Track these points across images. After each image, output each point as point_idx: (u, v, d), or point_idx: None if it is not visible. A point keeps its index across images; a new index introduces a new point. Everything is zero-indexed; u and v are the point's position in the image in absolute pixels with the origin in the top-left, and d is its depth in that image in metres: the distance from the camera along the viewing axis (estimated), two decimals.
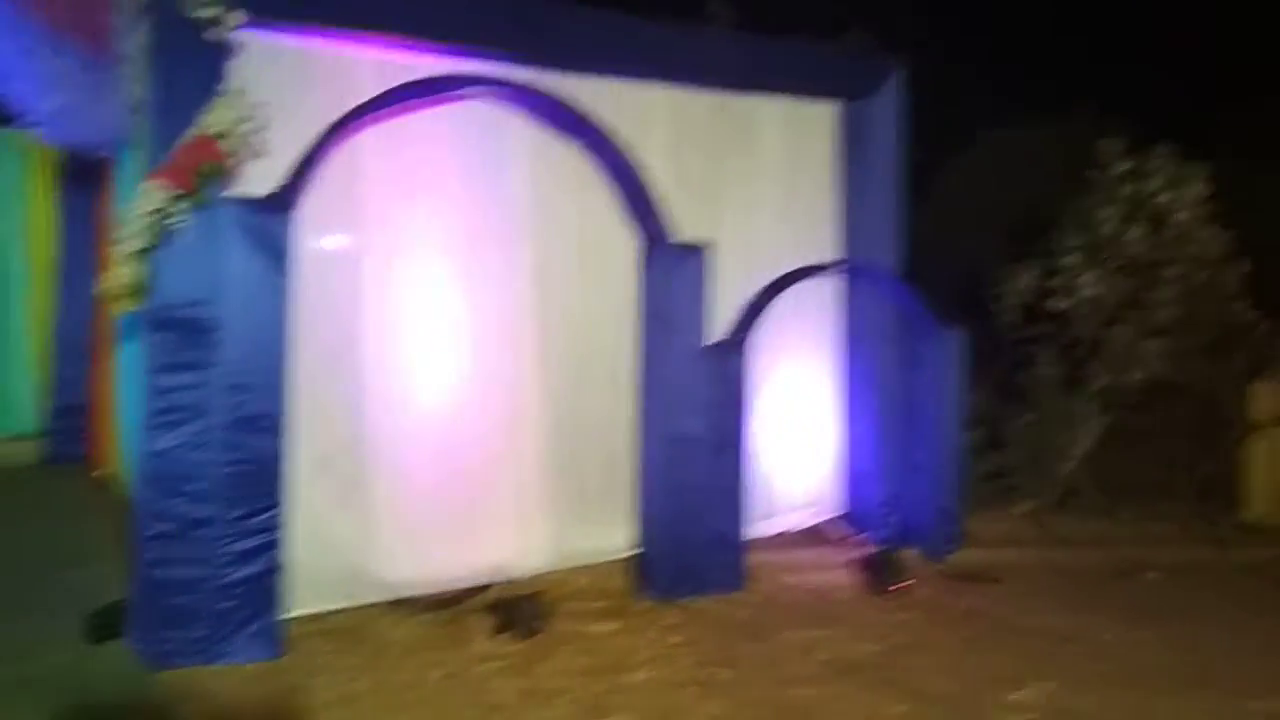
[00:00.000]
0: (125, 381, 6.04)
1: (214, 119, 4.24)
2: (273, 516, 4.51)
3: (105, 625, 4.50)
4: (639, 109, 6.06)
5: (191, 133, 4.24)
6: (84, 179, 7.48)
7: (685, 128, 6.36)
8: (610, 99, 5.77)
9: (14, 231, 8.83)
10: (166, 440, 4.32)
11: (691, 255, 5.78)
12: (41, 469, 7.69)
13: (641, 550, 5.89)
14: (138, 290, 4.25)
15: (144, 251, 4.21)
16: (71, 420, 7.70)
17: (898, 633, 5.27)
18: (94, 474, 7.41)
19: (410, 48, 5.22)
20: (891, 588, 5.91)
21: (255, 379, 4.47)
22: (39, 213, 8.81)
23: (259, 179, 4.55)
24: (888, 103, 6.92)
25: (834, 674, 4.65)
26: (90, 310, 7.60)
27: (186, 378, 4.35)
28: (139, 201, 4.15)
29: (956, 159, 11.69)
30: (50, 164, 8.60)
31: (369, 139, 5.12)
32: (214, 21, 4.26)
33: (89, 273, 7.55)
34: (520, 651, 4.76)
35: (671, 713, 4.17)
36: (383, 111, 5.03)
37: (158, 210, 4.16)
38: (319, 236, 4.96)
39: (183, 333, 4.33)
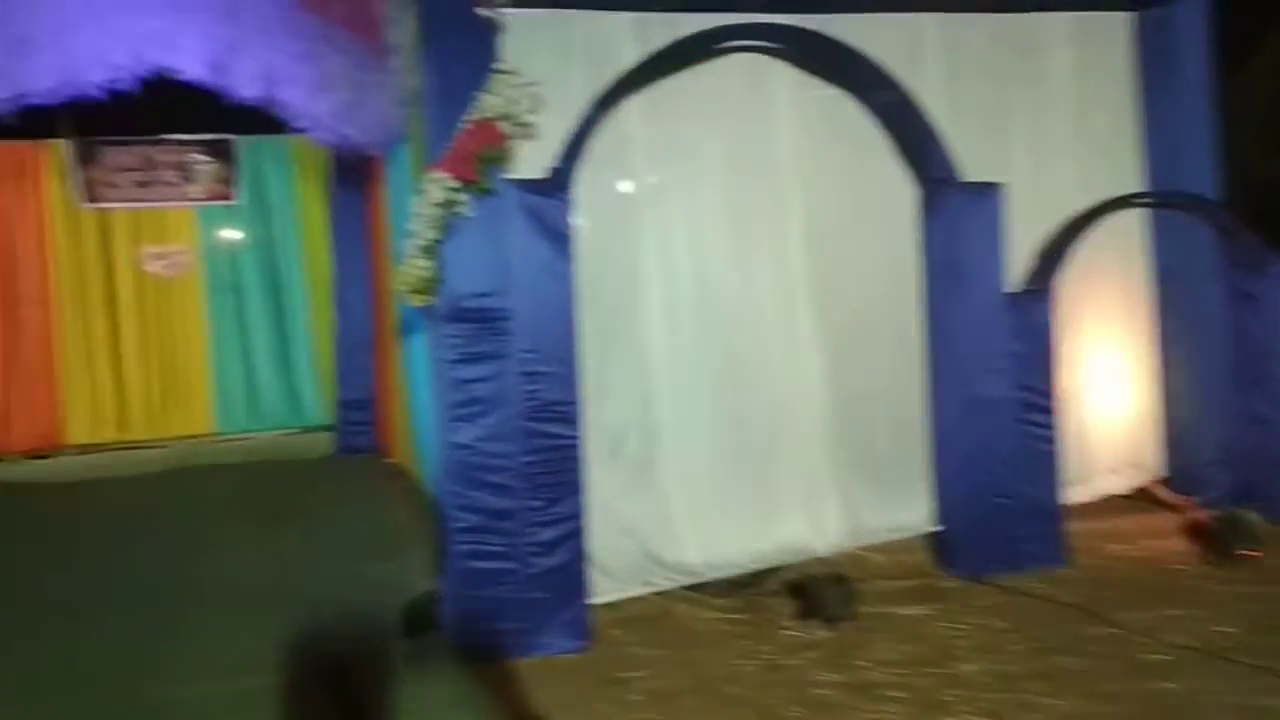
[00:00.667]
0: (414, 374, 6.17)
1: (492, 101, 4.12)
2: (574, 504, 4.41)
3: (419, 618, 4.55)
4: (909, 42, 5.52)
5: (470, 118, 4.14)
6: (352, 179, 7.72)
7: (962, 57, 5.76)
8: (877, 34, 5.28)
9: (289, 235, 9.32)
10: (467, 433, 4.29)
11: (983, 196, 5.23)
12: (334, 460, 8.09)
13: (942, 525, 5.45)
14: (431, 284, 4.22)
15: (434, 245, 4.17)
16: (358, 413, 8.06)
17: (1257, 610, 4.58)
18: (385, 464, 7.70)
19: (668, 5, 4.94)
20: (1238, 556, 5.18)
21: (548, 366, 4.37)
22: (311, 215, 9.25)
23: (529, 160, 4.42)
24: (1194, 6, 6.02)
25: (1196, 661, 4.07)
26: (368, 305, 7.88)
27: (483, 369, 4.29)
28: (424, 194, 4.10)
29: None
30: (319, 166, 9.00)
31: (634, 105, 4.89)
32: (486, 2, 4.14)
33: (363, 271, 7.87)
34: (833, 640, 4.46)
35: (1019, 710, 3.75)
36: (647, 76, 4.79)
37: (444, 202, 4.09)
38: (592, 215, 4.78)
39: (477, 324, 4.27)
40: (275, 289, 9.33)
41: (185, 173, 9.01)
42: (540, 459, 4.38)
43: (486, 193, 4.20)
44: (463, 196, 4.14)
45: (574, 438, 4.43)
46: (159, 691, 4.01)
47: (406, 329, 6.15)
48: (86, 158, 8.71)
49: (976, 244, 5.25)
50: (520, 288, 4.32)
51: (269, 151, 9.19)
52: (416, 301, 4.31)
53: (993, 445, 5.23)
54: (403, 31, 4.29)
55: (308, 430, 9.21)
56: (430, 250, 4.17)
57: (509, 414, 4.33)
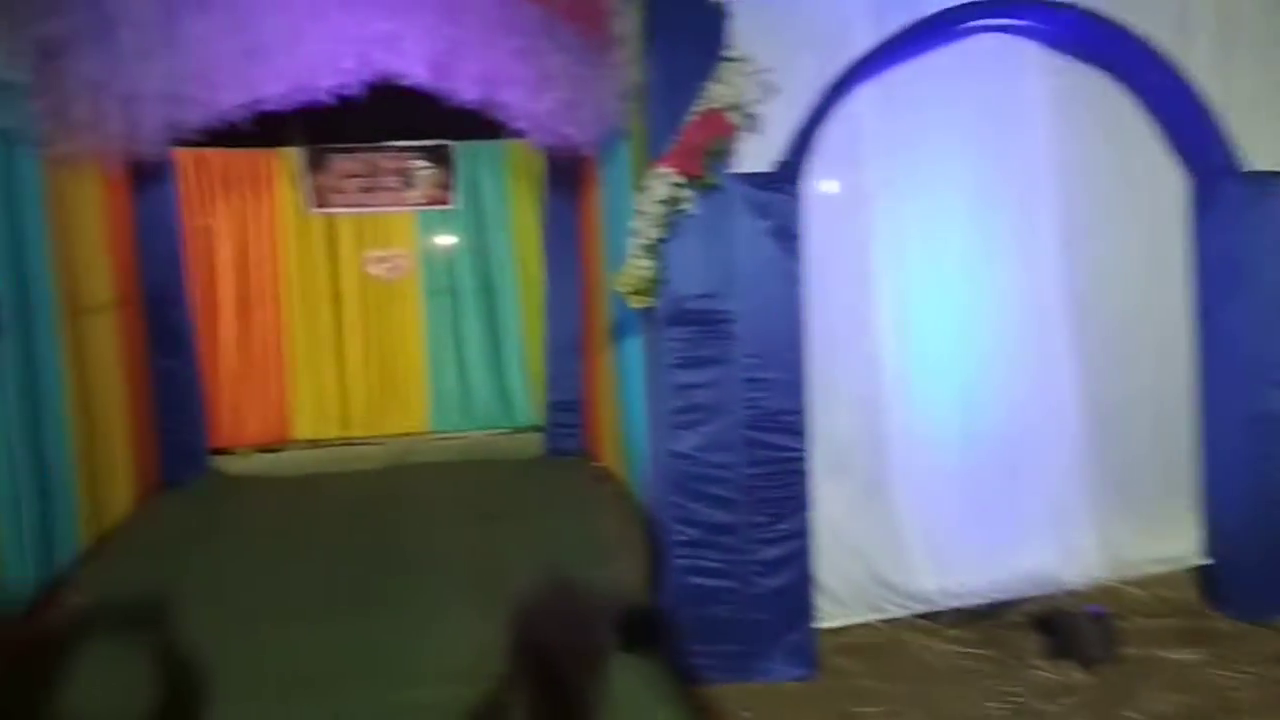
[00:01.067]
0: (626, 377, 6.03)
1: (720, 91, 3.88)
2: (800, 522, 4.12)
3: (636, 632, 4.36)
4: (1175, 15, 4.89)
5: (697, 109, 3.91)
6: (565, 181, 7.69)
7: (1236, 30, 5.07)
8: (1140, 6, 4.70)
9: (503, 239, 9.42)
10: (688, 441, 4.07)
11: (1265, 186, 4.59)
12: (543, 462, 8.09)
13: (1213, 558, 4.81)
14: (652, 285, 4.02)
15: (656, 244, 3.97)
16: (567, 415, 8.04)
17: None
18: (593, 467, 7.63)
19: None
20: None
21: (773, 373, 4.09)
22: (524, 219, 9.33)
23: (753, 153, 4.14)
24: None
25: None
26: (579, 308, 7.83)
27: (705, 374, 4.06)
28: (647, 191, 3.90)
29: None
30: (532, 169, 9.07)
31: (867, 94, 4.54)
32: None
33: (574, 273, 7.83)
34: (1093, 684, 3.97)
35: None
36: (883, 62, 4.43)
37: (668, 199, 3.88)
38: (821, 210, 4.46)
39: (699, 326, 4.05)
40: (489, 292, 9.45)
41: (406, 178, 9.27)
42: (764, 471, 4.11)
43: (712, 188, 3.96)
44: (688, 192, 3.92)
45: (799, 450, 4.13)
46: (379, 694, 3.99)
47: (619, 331, 6.02)
48: (315, 165, 9.08)
49: (1258, 240, 4.64)
50: (745, 288, 4.06)
51: (484, 156, 9.30)
52: (637, 303, 4.12)
53: (1276, 469, 4.57)
54: (626, 22, 4.10)
55: (518, 431, 9.28)
56: (652, 249, 3.97)
57: (731, 422, 4.08)
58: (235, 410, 9.01)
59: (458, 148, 9.25)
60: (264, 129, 8.43)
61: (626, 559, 5.31)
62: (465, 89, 5.68)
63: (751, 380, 4.07)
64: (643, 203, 3.93)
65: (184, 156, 8.50)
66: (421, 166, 9.28)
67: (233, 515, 6.64)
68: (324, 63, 5.49)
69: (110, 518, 6.22)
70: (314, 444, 9.06)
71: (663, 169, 3.87)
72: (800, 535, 4.11)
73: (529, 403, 9.39)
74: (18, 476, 4.81)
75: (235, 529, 6.29)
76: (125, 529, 6.29)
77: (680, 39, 4.00)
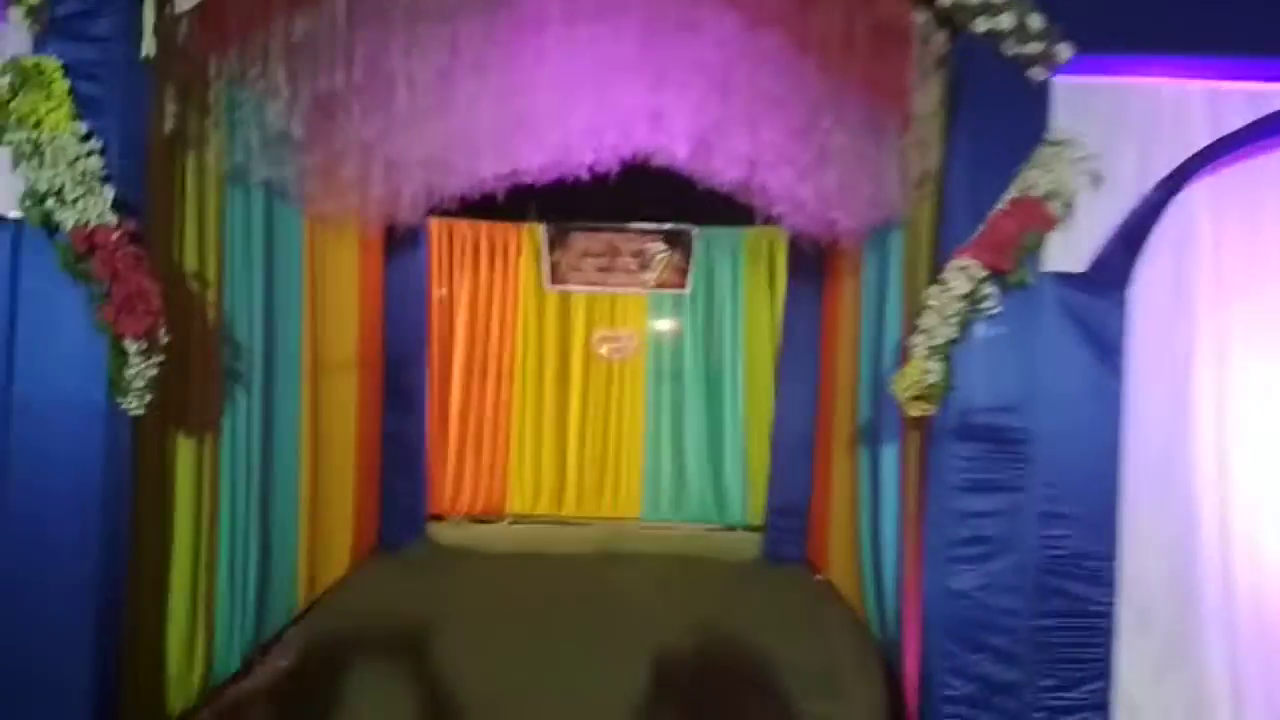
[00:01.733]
0: (868, 487, 5.46)
1: (1039, 177, 3.37)
2: (1100, 691, 3.42)
3: None
4: None
5: (1012, 196, 3.41)
6: (808, 268, 7.27)
7: None
8: None
9: (733, 328, 9.10)
10: (968, 578, 3.47)
11: None
12: (758, 566, 7.54)
13: None
14: (938, 391, 3.49)
15: (947, 345, 3.45)
16: (790, 519, 7.48)
17: None
18: (816, 578, 7.02)
19: (1255, 72, 3.91)
20: None
21: (1076, 507, 3.46)
22: (756, 308, 8.99)
23: (1066, 250, 3.58)
24: None
25: None
26: (814, 405, 7.33)
27: (994, 501, 3.48)
28: (944, 285, 3.40)
29: None
30: (770, 255, 8.76)
31: (1200, 192, 3.89)
32: (1039, 60, 3.42)
33: (812, 367, 7.35)
34: None
35: None
36: (1223, 157, 3.79)
37: (968, 294, 3.37)
38: (1137, 320, 3.81)
39: (991, 445, 3.48)
40: (714, 381, 9.14)
41: (643, 260, 9.15)
42: (1058, 624, 3.46)
43: (1020, 285, 3.42)
44: (991, 289, 3.40)
45: (1105, 603, 3.47)
46: None
47: (868, 437, 5.47)
48: (557, 241, 9.11)
49: None
50: (1050, 405, 3.48)
51: (723, 242, 9.09)
52: (915, 410, 3.60)
53: None
54: (928, 97, 3.67)
55: (729, 529, 8.82)
56: (942, 351, 3.46)
57: (1021, 562, 3.47)
58: (455, 477, 9.01)
59: (697, 232, 9.07)
60: (508, 202, 8.70)
61: (861, 698, 4.69)
62: (725, 169, 5.40)
63: (1050, 515, 3.46)
64: (936, 297, 3.44)
65: (434, 225, 8.75)
66: (659, 249, 9.14)
67: (445, 589, 6.45)
68: (587, 136, 5.35)
69: (327, 578, 6.15)
70: (526, 519, 8.93)
71: (965, 261, 3.38)
72: (1100, 708, 3.41)
73: (746, 501, 8.94)
74: (248, 534, 4.75)
75: (446, 605, 6.08)
76: (339, 593, 6.21)
77: (991, 117, 3.53)
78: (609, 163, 5.82)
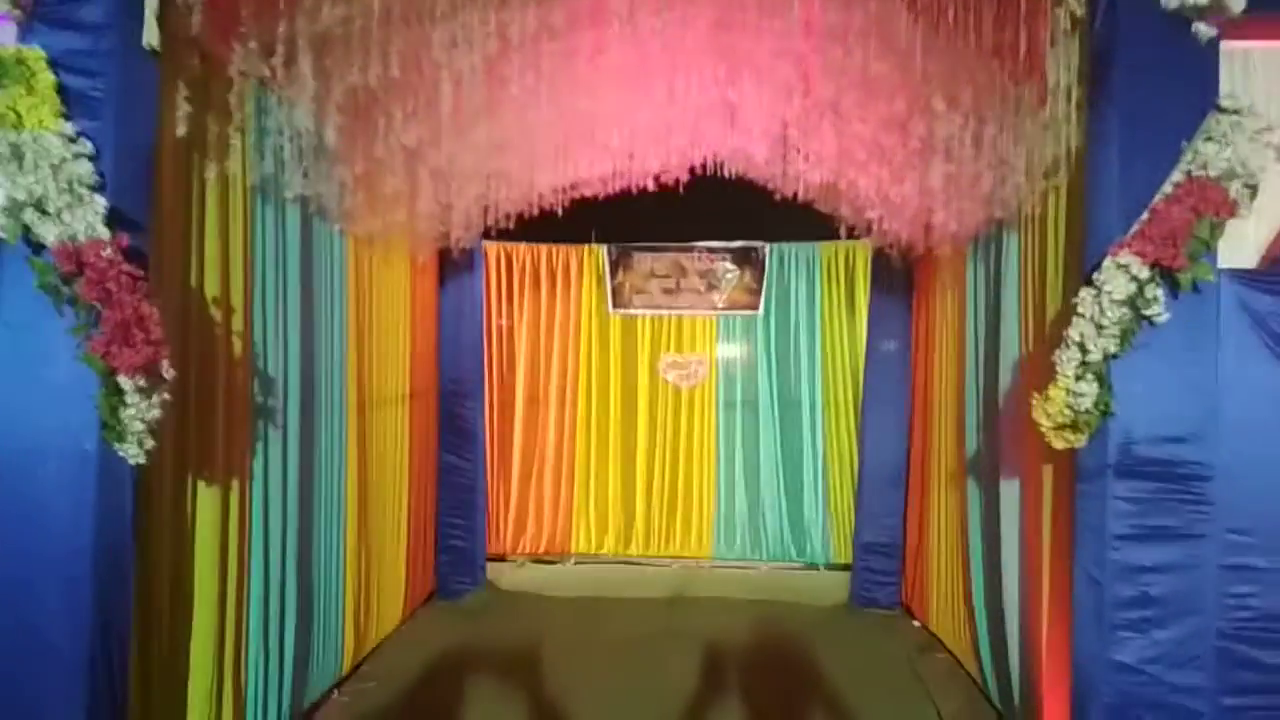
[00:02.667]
0: (978, 529, 4.79)
1: (1214, 153, 2.74)
2: None
3: None
4: None
5: (1179, 178, 2.78)
6: (893, 282, 6.65)
7: None
8: None
9: (810, 350, 8.48)
10: (1134, 648, 2.82)
11: None
12: (848, 613, 6.86)
13: None
14: (1090, 418, 2.86)
15: (1104, 361, 2.82)
16: (881, 560, 6.80)
17: None
18: (917, 630, 6.33)
19: None
20: None
21: (1272, 559, 2.78)
22: (834, 329, 8.37)
23: (1245, 243, 2.94)
24: None
25: None
26: (905, 432, 6.67)
27: (1166, 553, 2.83)
28: (1104, 288, 2.78)
29: None
30: (848, 270, 8.19)
31: None
32: (1207, 11, 2.80)
33: (902, 390, 6.71)
34: None
35: None
36: None
37: (1128, 299, 2.75)
38: None
39: (1161, 483, 2.83)
40: (791, 407, 8.51)
41: (711, 281, 8.58)
42: (1251, 703, 2.79)
43: (1193, 286, 2.79)
44: (1158, 291, 2.76)
45: None
46: None
47: (977, 470, 4.81)
48: (620, 263, 8.60)
49: None
50: (1233, 433, 2.83)
51: (796, 258, 8.49)
52: (1061, 441, 2.97)
53: None
54: (1061, 66, 3.06)
55: (809, 567, 8.17)
56: (1097, 369, 2.82)
57: (1201, 627, 2.81)
58: (518, 516, 8.51)
59: (768, 249, 8.48)
60: (569, 223, 8.23)
61: None
62: (809, 170, 4.82)
63: (1237, 568, 2.80)
64: (1088, 304, 2.82)
65: (490, 248, 8.31)
66: (728, 269, 8.57)
67: (503, 641, 5.91)
68: (653, 140, 4.81)
69: (379, 630, 5.65)
70: (591, 559, 8.38)
71: (1125, 257, 2.75)
72: None
73: (829, 539, 8.28)
74: (284, 595, 4.25)
75: (504, 659, 5.54)
76: (390, 648, 5.70)
77: (1147, 85, 2.91)
78: (677, 170, 5.27)
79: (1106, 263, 2.78)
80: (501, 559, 8.31)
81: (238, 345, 3.82)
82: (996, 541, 4.35)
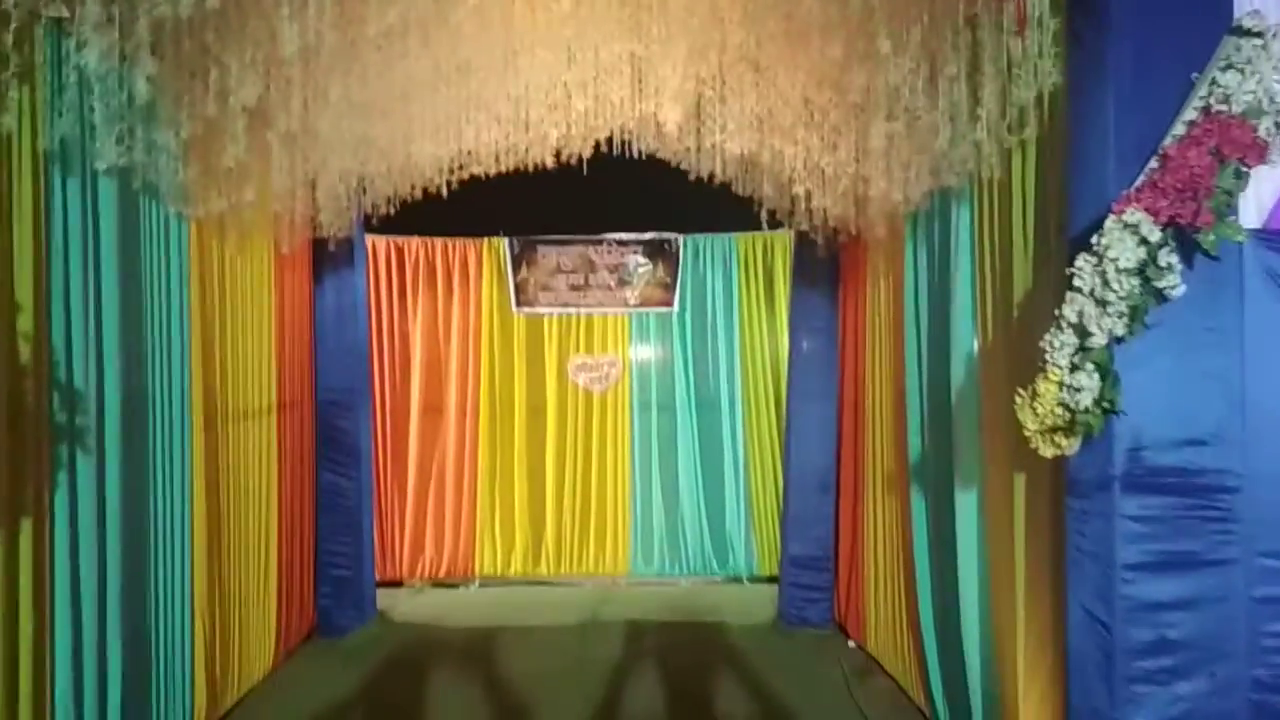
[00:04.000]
0: (926, 546, 4.23)
1: (1236, 84, 2.19)
2: None
3: None
4: None
5: (1191, 116, 2.23)
6: (816, 271, 6.12)
7: None
8: None
9: (729, 348, 7.91)
10: (1154, 706, 2.25)
11: None
12: (771, 631, 6.29)
13: None
14: (1091, 417, 2.29)
15: (1106, 348, 2.26)
16: (812, 574, 6.23)
17: None
18: (851, 650, 5.77)
19: None
20: None
21: None
22: (754, 324, 7.83)
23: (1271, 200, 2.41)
24: None
25: None
26: (834, 434, 6.12)
27: (1186, 585, 2.28)
28: (1107, 253, 2.21)
29: None
30: (768, 262, 7.71)
31: None
32: None
33: (829, 388, 6.16)
34: None
35: None
36: None
37: (1137, 267, 2.18)
38: None
39: (1178, 498, 2.28)
40: (710, 409, 7.92)
41: (622, 275, 7.95)
42: None
43: (1214, 249, 2.24)
44: (1172, 258, 2.20)
45: None
46: None
47: (923, 476, 4.25)
48: (523, 258, 7.91)
49: None
50: (1264, 434, 2.27)
51: (713, 250, 7.92)
52: (1051, 448, 2.40)
53: None
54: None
55: (733, 580, 7.62)
56: (1100, 357, 2.26)
57: (1235, 676, 2.25)
58: (414, 537, 7.74)
59: (682, 241, 7.89)
60: (467, 215, 7.52)
61: None
62: (728, 140, 4.21)
63: (1273, 600, 2.25)
64: (1087, 273, 2.24)
65: (377, 242, 7.55)
66: (640, 263, 7.95)
67: (390, 685, 5.18)
68: (551, 107, 4.15)
69: (241, 681, 4.85)
70: (498, 581, 7.66)
71: (1133, 213, 2.18)
72: None
73: (753, 550, 7.73)
74: (102, 651, 3.46)
75: (390, 708, 4.82)
76: (256, 702, 4.90)
77: (1148, 2, 2.35)
78: (579, 142, 4.62)
79: (1109, 223, 2.22)
80: (398, 584, 7.55)
81: (26, 351, 3.04)
82: (950, 558, 3.79)
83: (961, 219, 3.61)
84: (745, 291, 7.89)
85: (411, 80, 3.69)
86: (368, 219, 5.90)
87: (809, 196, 4.22)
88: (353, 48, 3.22)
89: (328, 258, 5.92)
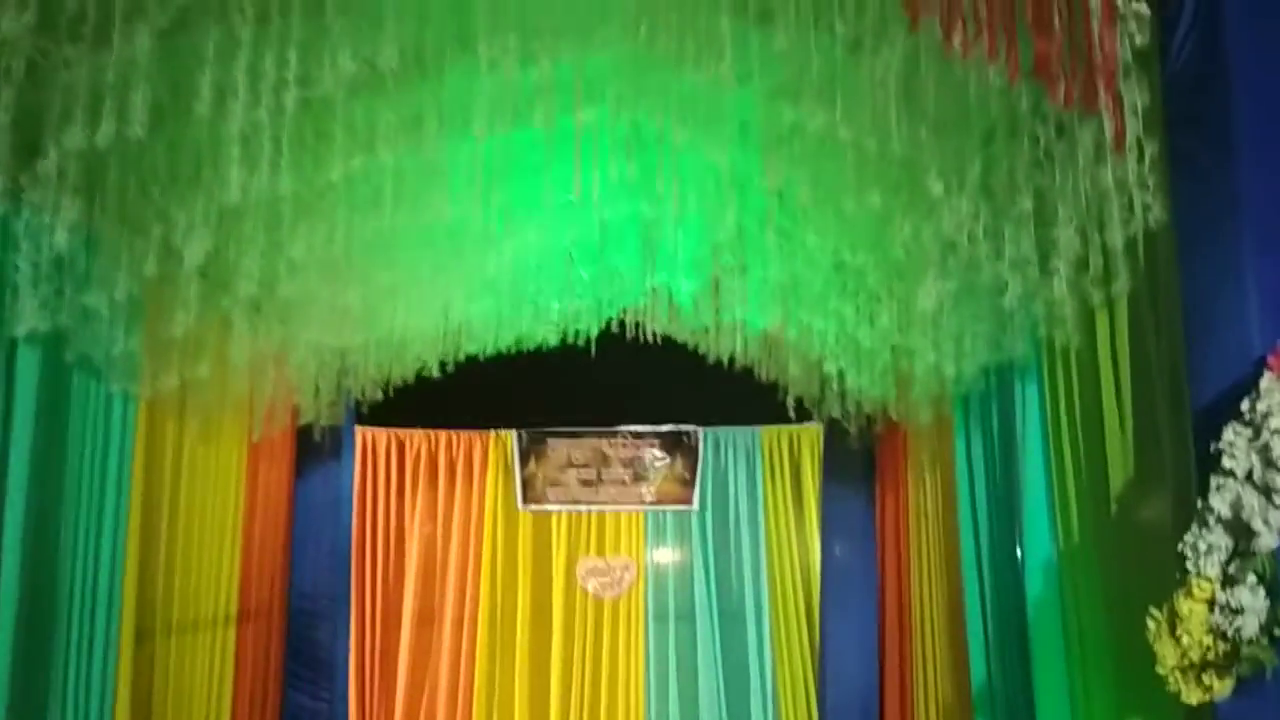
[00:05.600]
0: None
1: None
2: None
3: None
4: None
5: None
6: (851, 468, 5.54)
7: None
8: None
9: (753, 549, 7.16)
10: None
11: None
12: None
13: None
14: (1257, 648, 1.64)
15: (1272, 551, 1.64)
16: None
17: None
18: None
19: None
20: None
21: None
22: (782, 526, 7.15)
23: None
24: None
25: None
26: (875, 655, 5.36)
27: None
28: (1268, 421, 1.63)
29: None
30: (795, 457, 7.04)
31: None
32: None
33: (868, 602, 5.45)
34: None
35: None
36: None
37: None
38: None
39: None
40: (732, 620, 7.13)
41: (637, 470, 7.36)
42: None
43: None
44: None
45: None
46: None
47: (989, 706, 3.48)
48: (532, 451, 7.36)
49: None
50: None
51: (735, 444, 7.34)
52: (1197, 691, 1.73)
53: None
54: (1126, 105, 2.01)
55: None
56: (1263, 566, 1.63)
57: None
58: None
59: (701, 433, 7.33)
60: (470, 407, 7.06)
61: None
62: (748, 317, 3.74)
63: None
64: (1240, 453, 1.65)
65: (375, 435, 7.05)
66: (657, 456, 7.36)
67: None
68: (548, 270, 3.72)
69: None
70: None
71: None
72: None
73: None
74: None
75: None
76: None
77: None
78: (585, 318, 4.18)
79: (1267, 382, 1.65)
80: None
81: None
82: None
83: (1029, 397, 3.04)
84: (771, 489, 7.23)
85: (381, 232, 3.24)
86: (359, 408, 5.44)
87: (841, 377, 3.68)
88: (311, 195, 2.80)
89: (312, 449, 5.39)
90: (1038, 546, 3.01)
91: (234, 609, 4.61)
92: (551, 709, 7.04)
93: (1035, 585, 2.99)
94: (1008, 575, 3.27)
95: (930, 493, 4.33)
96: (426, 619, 7.07)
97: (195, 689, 4.21)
